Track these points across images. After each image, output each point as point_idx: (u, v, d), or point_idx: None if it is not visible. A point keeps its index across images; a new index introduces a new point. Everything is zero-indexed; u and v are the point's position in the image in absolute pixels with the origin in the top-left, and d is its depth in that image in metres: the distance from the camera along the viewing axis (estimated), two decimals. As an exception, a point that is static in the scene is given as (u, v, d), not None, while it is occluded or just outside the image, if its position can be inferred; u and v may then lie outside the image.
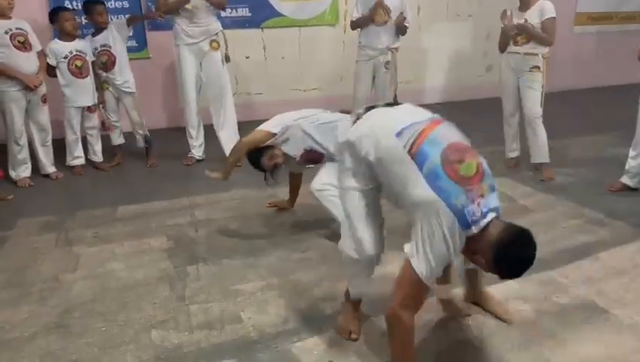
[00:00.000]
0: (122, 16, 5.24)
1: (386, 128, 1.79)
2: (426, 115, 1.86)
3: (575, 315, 2.29)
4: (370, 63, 4.50)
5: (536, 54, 3.86)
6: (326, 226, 3.16)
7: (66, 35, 4.19)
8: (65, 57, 4.17)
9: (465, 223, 1.61)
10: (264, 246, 2.99)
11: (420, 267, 1.65)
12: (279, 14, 6.01)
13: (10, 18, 3.92)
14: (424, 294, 1.74)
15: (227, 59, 4.46)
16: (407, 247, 1.70)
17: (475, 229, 1.62)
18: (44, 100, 4.14)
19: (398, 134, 1.73)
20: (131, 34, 4.71)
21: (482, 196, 1.63)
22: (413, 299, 1.72)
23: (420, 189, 1.64)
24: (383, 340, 2.13)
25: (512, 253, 1.63)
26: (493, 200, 1.68)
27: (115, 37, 4.36)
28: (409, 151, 1.69)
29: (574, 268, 2.69)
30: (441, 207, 1.59)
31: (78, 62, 4.22)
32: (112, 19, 4.62)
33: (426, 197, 1.62)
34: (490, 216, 1.65)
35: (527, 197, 3.67)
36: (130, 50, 4.63)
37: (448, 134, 1.76)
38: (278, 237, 3.10)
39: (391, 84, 4.60)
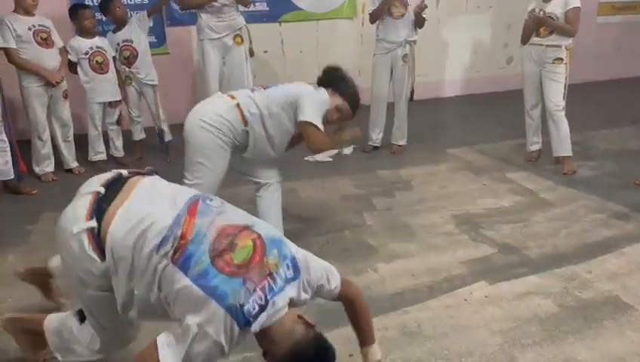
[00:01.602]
0: (142, 12, 5.30)
1: (143, 244, 1.46)
2: (182, 198, 1.58)
3: (599, 311, 2.26)
4: (387, 56, 4.46)
5: (559, 46, 3.80)
6: (344, 222, 3.16)
7: (86, 33, 4.24)
8: (85, 53, 4.22)
9: (243, 321, 1.38)
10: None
11: (167, 359, 1.37)
12: (297, 8, 6.00)
13: (33, 15, 3.98)
14: None
15: (251, 53, 4.49)
16: (162, 337, 1.41)
17: (257, 326, 1.40)
18: (65, 96, 4.20)
19: (158, 247, 1.44)
20: (151, 24, 4.73)
21: (270, 275, 1.43)
22: None
23: (186, 292, 1.39)
24: (403, 336, 2.13)
25: None
26: (286, 272, 1.47)
27: (137, 31, 4.41)
28: (172, 260, 1.42)
29: (598, 262, 2.66)
30: (212, 310, 1.35)
31: (99, 58, 4.27)
32: (129, 14, 4.64)
33: (195, 298, 1.37)
34: (281, 300, 1.43)
35: (549, 191, 3.62)
36: (149, 45, 4.66)
37: (212, 218, 1.51)
38: (298, 231, 3.10)
39: (409, 78, 4.57)
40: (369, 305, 1.86)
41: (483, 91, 7.00)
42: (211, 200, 1.60)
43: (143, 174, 1.73)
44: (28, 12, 3.94)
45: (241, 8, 4.41)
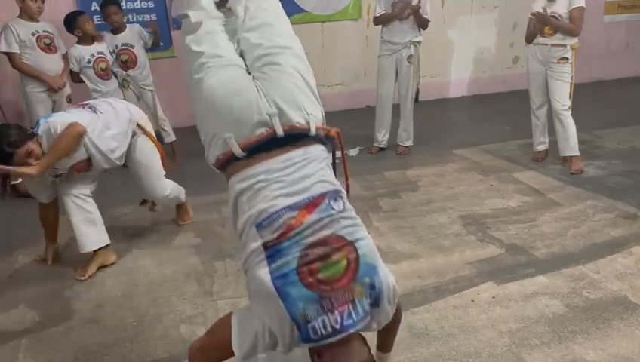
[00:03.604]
0: (149, 16, 5.33)
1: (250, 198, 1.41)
2: (316, 188, 1.41)
3: (607, 311, 2.25)
4: (392, 58, 4.46)
5: (564, 45, 3.79)
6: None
7: (88, 38, 4.19)
8: (88, 62, 4.17)
9: (305, 338, 1.31)
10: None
11: (235, 342, 1.40)
12: (302, 10, 6.01)
13: (38, 21, 4.00)
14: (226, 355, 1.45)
15: None
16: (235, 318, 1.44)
17: (318, 345, 1.32)
18: (69, 101, 4.20)
19: (259, 226, 1.37)
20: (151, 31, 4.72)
21: (352, 301, 1.32)
22: (213, 350, 1.48)
23: (263, 283, 1.33)
24: (411, 337, 2.13)
25: None
26: (369, 302, 1.35)
27: (138, 40, 4.40)
28: (265, 247, 1.35)
29: (606, 262, 2.64)
30: (280, 311, 1.30)
31: (103, 65, 4.23)
32: (136, 19, 4.64)
33: (267, 293, 1.32)
34: (355, 329, 1.33)
35: (556, 190, 3.60)
36: (156, 49, 4.66)
37: (324, 222, 1.36)
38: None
39: (414, 79, 4.57)
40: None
41: (489, 91, 6.99)
42: (336, 200, 1.42)
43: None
44: (32, 18, 3.96)
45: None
